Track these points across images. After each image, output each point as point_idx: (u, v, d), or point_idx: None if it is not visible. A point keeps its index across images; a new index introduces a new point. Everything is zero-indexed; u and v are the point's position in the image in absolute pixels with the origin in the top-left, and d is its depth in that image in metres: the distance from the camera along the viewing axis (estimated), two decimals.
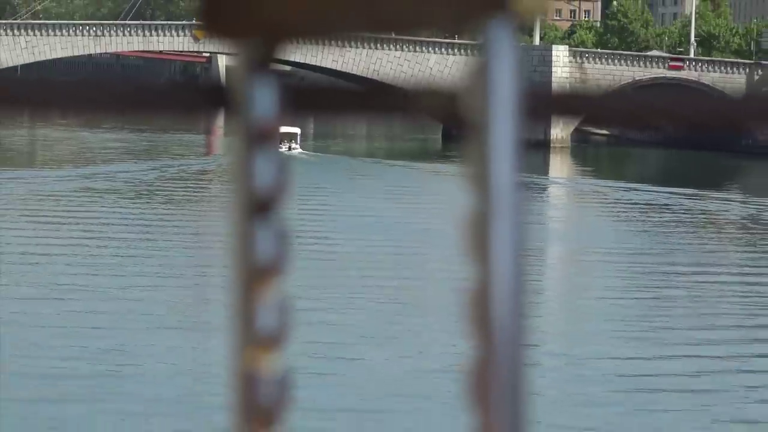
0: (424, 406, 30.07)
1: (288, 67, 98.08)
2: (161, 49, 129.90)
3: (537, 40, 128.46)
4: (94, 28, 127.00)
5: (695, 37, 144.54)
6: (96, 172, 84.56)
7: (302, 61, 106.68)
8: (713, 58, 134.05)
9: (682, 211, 75.05)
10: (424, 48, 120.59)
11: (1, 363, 34.46)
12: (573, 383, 33.45)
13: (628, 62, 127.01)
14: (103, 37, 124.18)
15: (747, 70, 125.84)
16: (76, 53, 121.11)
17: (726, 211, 77.24)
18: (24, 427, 28.84)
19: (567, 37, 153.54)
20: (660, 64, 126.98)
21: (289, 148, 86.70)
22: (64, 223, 59.99)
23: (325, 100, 0.97)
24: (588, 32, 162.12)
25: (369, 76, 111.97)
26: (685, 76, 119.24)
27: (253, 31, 0.94)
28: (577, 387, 33.21)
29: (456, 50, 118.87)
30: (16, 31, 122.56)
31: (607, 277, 51.52)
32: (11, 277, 46.44)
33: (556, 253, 55.81)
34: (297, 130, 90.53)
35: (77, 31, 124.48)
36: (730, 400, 33.17)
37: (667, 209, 75.79)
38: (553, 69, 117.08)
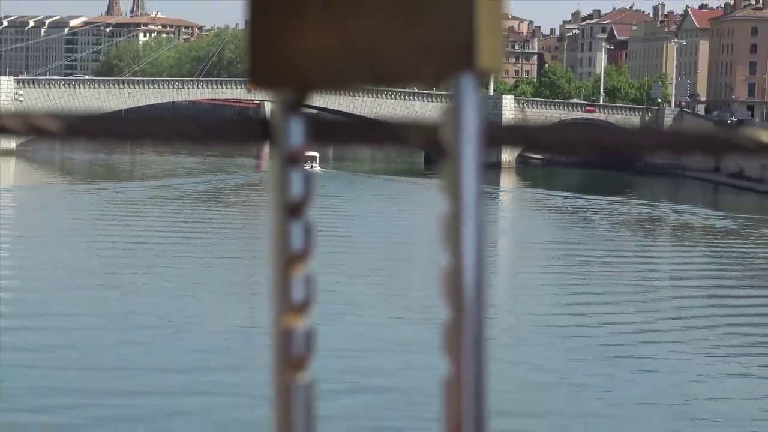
0: (410, 354, 29.56)
1: (314, 110, 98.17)
2: (224, 97, 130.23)
3: (491, 91, 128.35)
4: (177, 83, 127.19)
5: (603, 89, 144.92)
6: (174, 183, 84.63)
7: (324, 106, 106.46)
8: (616, 105, 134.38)
9: (595, 211, 75.85)
10: (411, 97, 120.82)
11: (104, 310, 34.41)
12: (520, 334, 33.06)
13: (556, 107, 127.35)
14: (183, 89, 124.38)
15: (640, 113, 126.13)
16: (163, 101, 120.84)
17: (626, 211, 78.01)
18: (112, 363, 28.28)
19: (513, 89, 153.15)
20: (578, 108, 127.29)
21: (311, 167, 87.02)
22: (147, 219, 59.92)
23: (339, 132, 0.98)
24: (528, 86, 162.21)
25: (371, 117, 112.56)
26: (596, 117, 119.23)
27: (287, 85, 0.95)
28: (522, 336, 32.94)
29: (435, 98, 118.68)
30: (121, 85, 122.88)
31: (542, 258, 51.70)
32: (106, 251, 47.23)
33: (507, 242, 55.56)
34: (317, 153, 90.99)
35: (164, 85, 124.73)
36: (634, 343, 33.23)
37: (585, 210, 76.41)
38: (503, 112, 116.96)
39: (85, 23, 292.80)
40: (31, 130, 0.96)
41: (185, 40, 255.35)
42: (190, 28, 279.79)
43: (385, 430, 23.86)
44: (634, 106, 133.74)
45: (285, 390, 0.94)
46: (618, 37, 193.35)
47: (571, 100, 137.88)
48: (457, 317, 0.90)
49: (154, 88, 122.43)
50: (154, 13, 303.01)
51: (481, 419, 0.90)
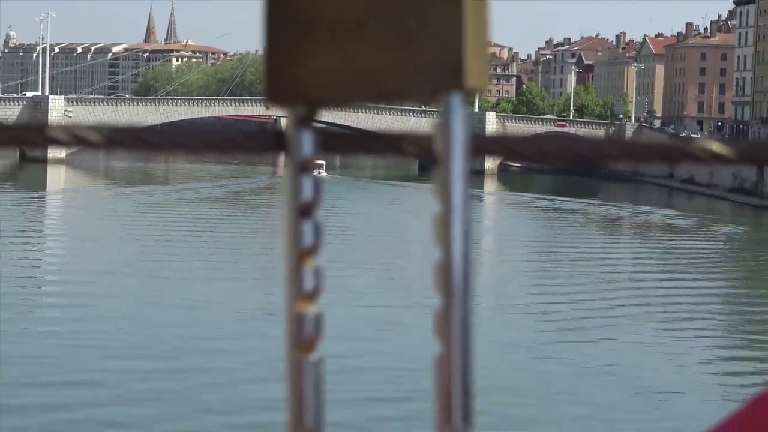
0: (406, 334, 29.47)
1: (322, 124, 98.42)
2: (246, 113, 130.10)
3: (476, 108, 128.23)
4: (205, 101, 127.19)
5: (573, 106, 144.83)
6: (202, 187, 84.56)
7: (331, 120, 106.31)
8: (584, 120, 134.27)
9: (566, 212, 75.85)
10: (407, 113, 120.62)
11: (140, 293, 34.46)
12: (501, 317, 32.99)
13: (532, 122, 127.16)
14: (210, 107, 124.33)
15: (605, 127, 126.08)
16: (193, 116, 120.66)
17: (592, 211, 78.19)
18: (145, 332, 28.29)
19: (495, 107, 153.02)
20: (551, 123, 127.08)
21: (319, 173, 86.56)
22: (179, 217, 59.90)
23: (344, 143, 0.99)
24: (507, 104, 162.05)
25: (372, 130, 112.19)
26: (567, 131, 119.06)
27: (299, 102, 0.96)
28: (503, 319, 32.83)
29: (428, 114, 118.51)
30: (156, 103, 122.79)
31: (521, 252, 51.69)
32: (143, 244, 47.11)
33: (490, 238, 55.54)
34: (323, 161, 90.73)
35: (194, 103, 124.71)
36: (598, 321, 33.38)
37: (557, 210, 76.41)
38: (486, 126, 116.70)
39: (126, 50, 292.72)
40: (77, 141, 0.97)
41: (212, 64, 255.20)
42: (217, 54, 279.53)
43: (384, 399, 23.81)
44: (600, 121, 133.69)
45: (297, 366, 0.95)
46: (585, 62, 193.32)
47: (545, 116, 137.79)
48: (447, 303, 0.91)
49: (185, 105, 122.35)
50: (185, 40, 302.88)
51: (468, 390, 0.91)
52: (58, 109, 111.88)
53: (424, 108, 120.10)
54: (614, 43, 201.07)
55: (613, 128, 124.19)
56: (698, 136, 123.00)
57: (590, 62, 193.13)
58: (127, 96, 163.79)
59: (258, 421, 21.74)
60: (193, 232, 52.95)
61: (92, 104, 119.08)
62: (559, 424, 22.93)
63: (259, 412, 22.14)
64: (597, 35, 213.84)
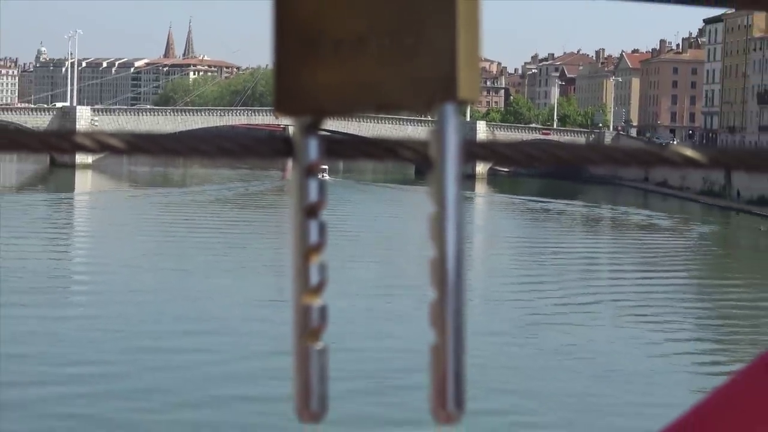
0: (403, 325, 29.45)
1: (327, 132, 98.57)
2: (257, 122, 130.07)
3: (468, 117, 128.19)
4: (219, 111, 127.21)
5: (557, 116, 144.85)
6: (217, 189, 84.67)
7: (335, 128, 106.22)
8: (567, 128, 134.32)
9: (550, 212, 75.97)
10: (404, 122, 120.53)
11: (159, 286, 34.45)
12: (491, 309, 32.94)
13: (519, 130, 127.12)
14: (224, 116, 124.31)
15: (585, 135, 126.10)
16: (208, 125, 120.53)
17: (574, 211, 78.11)
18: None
19: (485, 116, 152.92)
20: (536, 131, 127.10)
21: (323, 176, 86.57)
22: (196, 216, 59.85)
23: (347, 149, 0.99)
24: (497, 114, 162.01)
25: (373, 137, 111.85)
26: (551, 138, 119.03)
27: (306, 112, 0.96)
28: (493, 310, 32.65)
29: (423, 123, 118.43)
30: (175, 113, 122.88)
31: (508, 249, 51.61)
32: (156, 241, 46.82)
33: (481, 236, 55.56)
34: (326, 166, 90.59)
35: (209, 113, 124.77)
36: (579, 310, 33.13)
37: (542, 211, 76.49)
38: (477, 134, 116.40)
39: (147, 64, 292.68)
40: (102, 147, 0.97)
41: (226, 77, 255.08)
42: (230, 68, 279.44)
43: (384, 382, 23.80)
44: (581, 129, 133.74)
45: (303, 354, 0.95)
46: (568, 75, 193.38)
47: (531, 125, 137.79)
48: (441, 296, 0.91)
49: (201, 115, 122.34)
50: (201, 56, 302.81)
51: (461, 377, 0.92)
52: (85, 119, 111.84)
53: (420, 117, 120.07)
54: (594, 58, 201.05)
55: (592, 136, 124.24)
56: (672, 142, 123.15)
57: (572, 76, 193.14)
58: (148, 106, 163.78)
59: (266, 395, 21.81)
60: (207, 231, 52.95)
61: (116, 114, 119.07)
62: (545, 404, 22.92)
63: (267, 388, 22.23)
64: (578, 51, 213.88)
